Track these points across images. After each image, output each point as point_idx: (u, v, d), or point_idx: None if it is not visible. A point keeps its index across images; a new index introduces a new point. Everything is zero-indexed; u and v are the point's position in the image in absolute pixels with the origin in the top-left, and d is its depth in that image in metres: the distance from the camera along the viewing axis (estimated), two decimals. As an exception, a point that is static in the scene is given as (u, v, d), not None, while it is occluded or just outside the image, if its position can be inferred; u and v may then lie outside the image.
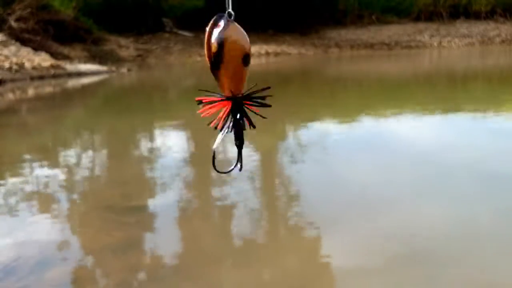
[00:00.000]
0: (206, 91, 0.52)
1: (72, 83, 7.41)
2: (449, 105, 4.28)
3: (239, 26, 0.51)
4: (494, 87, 5.82)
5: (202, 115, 0.51)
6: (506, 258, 1.42)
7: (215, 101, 0.52)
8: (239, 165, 0.51)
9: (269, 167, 2.56)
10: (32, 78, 7.39)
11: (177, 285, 1.36)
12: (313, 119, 3.86)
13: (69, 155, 2.89)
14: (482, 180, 2.16)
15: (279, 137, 3.26)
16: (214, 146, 0.49)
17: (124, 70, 8.88)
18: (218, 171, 0.53)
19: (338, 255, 1.48)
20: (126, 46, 11.78)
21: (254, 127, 0.53)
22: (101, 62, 9.93)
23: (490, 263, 1.40)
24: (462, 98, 4.81)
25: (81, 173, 2.51)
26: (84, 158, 2.78)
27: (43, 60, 8.19)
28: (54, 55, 9.12)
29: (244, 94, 0.51)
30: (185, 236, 1.72)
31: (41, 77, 7.54)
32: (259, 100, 0.51)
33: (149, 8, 12.62)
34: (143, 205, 2.00)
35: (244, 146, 0.51)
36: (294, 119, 3.91)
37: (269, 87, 0.50)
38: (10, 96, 6.09)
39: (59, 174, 2.45)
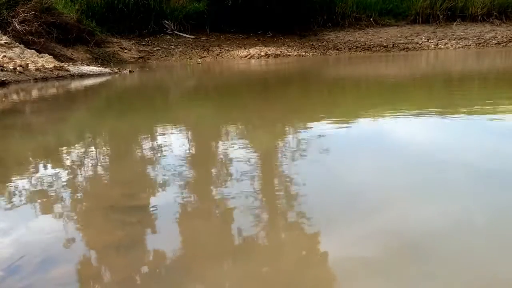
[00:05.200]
0: None
1: (75, 84, 7.45)
2: (446, 106, 4.31)
3: None
4: (490, 88, 5.83)
5: None
6: (504, 255, 1.46)
7: None
8: None
9: (268, 167, 2.58)
10: (36, 80, 7.45)
11: (178, 283, 1.39)
12: (312, 119, 3.89)
13: (72, 155, 2.89)
14: (479, 179, 2.18)
15: (278, 137, 3.28)
16: None
17: (126, 71, 8.96)
18: None
19: (337, 253, 1.51)
20: (128, 48, 11.86)
21: None
22: (103, 64, 10.03)
23: (488, 260, 1.43)
24: (459, 99, 4.78)
25: (84, 173, 2.52)
26: (87, 158, 2.80)
27: (47, 62, 8.28)
28: (57, 57, 9.22)
29: None
30: (187, 235, 1.73)
31: (44, 79, 7.60)
32: None
33: (151, 11, 12.67)
34: (145, 205, 2.01)
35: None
36: (293, 120, 3.95)
37: None
38: (14, 97, 6.07)
39: (63, 174, 2.46)
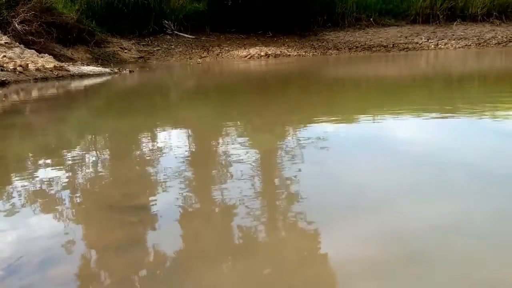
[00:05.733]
0: None
1: (75, 84, 7.46)
2: (446, 106, 4.31)
3: None
4: (490, 88, 5.84)
5: None
6: (504, 255, 1.47)
7: None
8: None
9: (268, 167, 2.58)
10: (36, 80, 7.45)
11: (178, 283, 1.40)
12: (312, 119, 3.90)
13: (72, 155, 2.90)
14: (479, 181, 2.18)
15: (278, 137, 3.29)
16: None
17: (126, 71, 8.96)
18: None
19: (337, 253, 1.52)
20: (128, 48, 11.86)
21: None
22: (103, 64, 10.03)
23: (487, 261, 1.44)
24: (459, 99, 4.79)
25: (84, 173, 2.52)
26: (87, 158, 2.81)
27: (47, 62, 8.27)
28: (57, 57, 9.21)
29: None
30: (187, 235, 1.74)
31: (44, 79, 7.61)
32: None
33: (151, 11, 12.67)
34: (145, 205, 2.02)
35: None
36: (294, 119, 3.95)
37: None
38: (14, 97, 6.09)
39: (63, 174, 2.47)
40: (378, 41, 13.02)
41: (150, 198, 2.12)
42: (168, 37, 12.97)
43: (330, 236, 1.66)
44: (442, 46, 12.85)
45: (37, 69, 7.72)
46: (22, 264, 1.50)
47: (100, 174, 2.56)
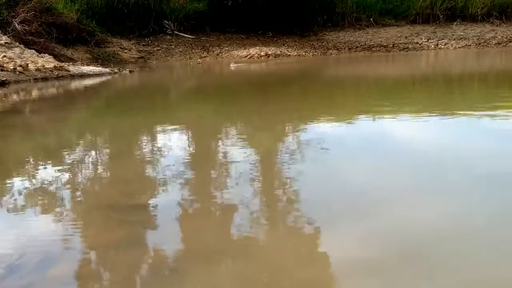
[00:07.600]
0: None
1: (75, 84, 7.46)
2: (446, 106, 4.32)
3: None
4: (490, 88, 5.85)
5: None
6: (502, 256, 1.47)
7: None
8: None
9: (268, 166, 2.59)
10: (36, 80, 7.45)
11: (178, 282, 1.40)
12: (312, 119, 3.91)
13: (72, 155, 2.92)
14: (479, 181, 2.19)
15: (278, 137, 3.29)
16: None
17: (126, 71, 8.96)
18: None
19: (337, 254, 1.52)
20: (128, 48, 11.86)
21: None
22: (103, 64, 10.02)
23: (487, 260, 1.45)
24: (459, 100, 4.80)
25: (84, 172, 2.53)
26: (87, 158, 2.82)
27: (47, 62, 8.27)
28: (57, 57, 9.20)
29: None
30: (186, 234, 1.75)
31: (44, 79, 7.60)
32: None
33: (151, 11, 12.67)
34: (145, 204, 2.03)
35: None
36: (294, 120, 3.95)
37: None
38: (15, 97, 6.10)
39: (63, 174, 2.48)
40: (378, 41, 13.01)
41: (150, 198, 2.12)
42: (168, 37, 12.96)
43: (330, 236, 1.66)
44: (442, 46, 12.84)
45: (37, 69, 7.72)
46: (22, 264, 1.50)
47: (100, 173, 2.57)
